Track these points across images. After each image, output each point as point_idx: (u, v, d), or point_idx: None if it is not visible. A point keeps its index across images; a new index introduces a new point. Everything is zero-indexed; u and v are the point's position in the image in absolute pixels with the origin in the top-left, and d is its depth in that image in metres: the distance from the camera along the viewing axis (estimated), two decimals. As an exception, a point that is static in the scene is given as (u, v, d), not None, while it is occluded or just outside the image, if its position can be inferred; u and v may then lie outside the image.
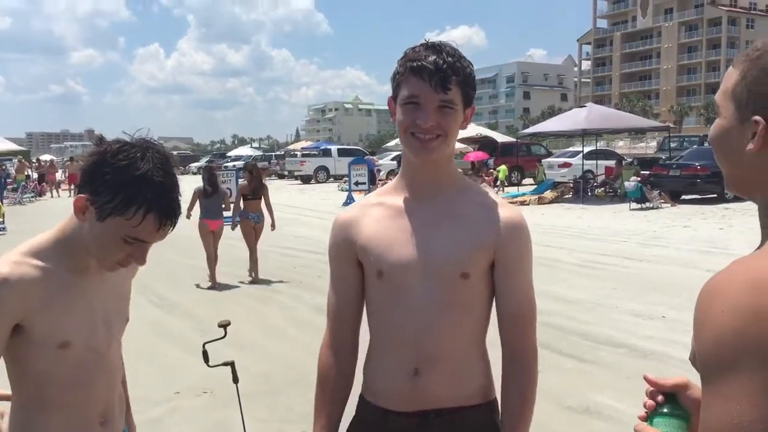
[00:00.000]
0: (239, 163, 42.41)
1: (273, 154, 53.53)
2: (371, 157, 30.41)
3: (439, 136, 1.67)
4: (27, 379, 1.62)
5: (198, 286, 9.63)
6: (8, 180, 27.91)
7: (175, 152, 72.33)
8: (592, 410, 4.78)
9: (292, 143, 73.17)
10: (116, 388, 1.78)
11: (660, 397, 1.18)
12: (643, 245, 12.03)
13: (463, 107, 1.70)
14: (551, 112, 68.28)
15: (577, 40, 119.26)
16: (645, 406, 1.20)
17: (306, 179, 35.82)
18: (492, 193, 1.85)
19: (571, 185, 22.78)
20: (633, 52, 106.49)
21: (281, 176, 40.52)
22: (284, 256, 11.52)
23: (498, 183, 25.10)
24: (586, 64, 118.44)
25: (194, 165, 47.31)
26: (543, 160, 26.85)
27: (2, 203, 16.72)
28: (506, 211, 1.74)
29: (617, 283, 8.93)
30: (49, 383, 1.61)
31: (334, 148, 39.62)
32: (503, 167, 25.84)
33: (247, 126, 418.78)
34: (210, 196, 9.56)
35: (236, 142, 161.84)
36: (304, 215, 19.25)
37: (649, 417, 1.18)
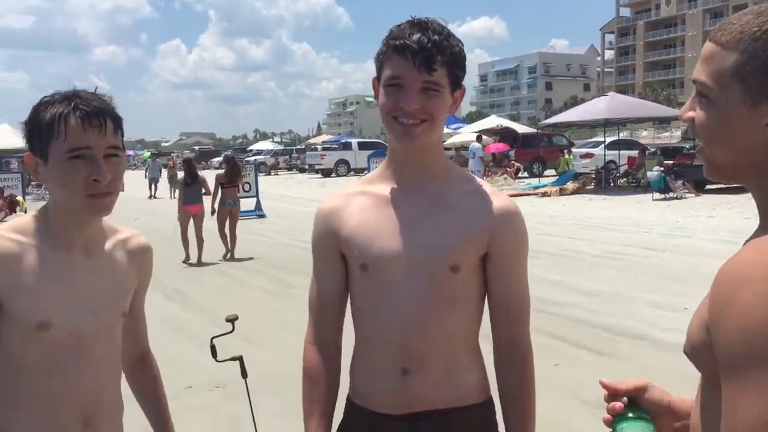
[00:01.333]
0: (260, 158, 42.68)
1: (294, 147, 53.68)
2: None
3: (424, 121, 1.56)
4: (4, 363, 1.54)
5: (212, 280, 9.63)
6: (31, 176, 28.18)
7: (197, 147, 73.32)
8: (610, 404, 4.66)
9: (313, 137, 73.26)
10: (106, 387, 1.65)
11: (619, 403, 1.13)
12: (665, 236, 11.83)
13: (451, 89, 1.59)
14: (574, 103, 67.54)
15: (600, 30, 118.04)
16: (607, 411, 1.15)
17: (326, 173, 35.86)
18: (484, 182, 1.74)
19: (593, 176, 22.52)
20: (657, 40, 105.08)
21: (302, 170, 40.63)
22: (303, 250, 11.42)
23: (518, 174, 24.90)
24: (609, 54, 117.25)
25: (216, 160, 47.62)
26: (565, 151, 26.56)
27: (24, 198, 16.91)
28: (498, 200, 1.64)
29: (639, 274, 8.77)
30: (25, 369, 1.53)
31: (354, 141, 39.58)
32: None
33: (269, 120, 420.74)
34: (190, 186, 10.99)
35: (258, 136, 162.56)
36: (324, 208, 19.19)
37: (613, 423, 1.13)
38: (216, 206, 11.19)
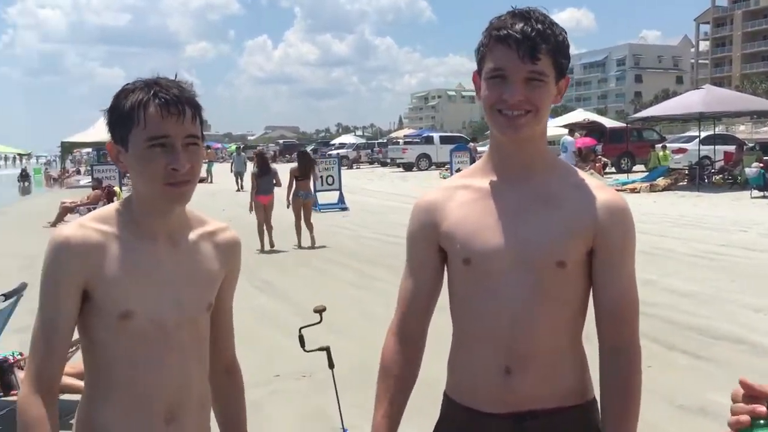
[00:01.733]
0: (342, 151, 43.10)
1: (375, 141, 53.95)
2: (472, 144, 29.98)
3: (529, 112, 1.51)
4: (93, 354, 1.56)
5: (299, 271, 9.79)
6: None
7: (281, 141, 74.76)
8: (708, 410, 4.45)
9: (395, 131, 73.52)
10: (192, 380, 1.61)
11: (761, 407, 1.02)
12: (765, 235, 11.22)
13: (556, 79, 1.54)
14: (665, 96, 65.01)
15: (695, 20, 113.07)
16: (739, 413, 1.03)
17: (408, 167, 35.86)
18: (587, 175, 1.67)
19: (686, 172, 21.62)
20: (755, 30, 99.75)
21: (383, 164, 40.79)
22: (386, 243, 11.54)
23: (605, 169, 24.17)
24: (704, 45, 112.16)
25: (300, 153, 48.31)
26: (666, 146, 25.59)
27: (122, 189, 17.66)
28: (606, 194, 1.58)
29: (736, 275, 8.35)
30: (112, 359, 1.53)
31: (436, 135, 39.47)
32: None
33: (351, 114, 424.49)
34: (262, 177, 11.72)
35: (340, 130, 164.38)
36: (407, 203, 19.23)
37: (750, 427, 1.02)
38: (290, 198, 11.76)
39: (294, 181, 11.79)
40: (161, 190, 1.51)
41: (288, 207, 11.80)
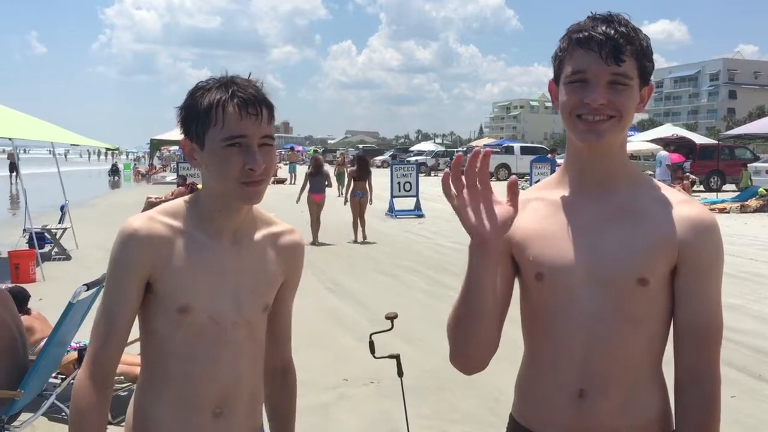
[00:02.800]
0: (421, 158, 43.08)
1: (455, 149, 53.74)
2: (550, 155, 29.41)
3: (612, 117, 1.42)
4: (150, 346, 1.59)
5: (371, 276, 9.80)
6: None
7: (361, 146, 75.43)
8: (797, 448, 4.18)
9: (474, 140, 72.96)
10: (244, 379, 1.62)
11: None
12: None
13: (640, 84, 1.45)
14: (760, 114, 62.12)
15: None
16: None
17: (487, 176, 35.44)
18: (674, 190, 1.56)
19: (781, 193, 20.51)
20: None
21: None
22: (460, 252, 11.40)
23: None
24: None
25: (379, 158, 48.71)
26: (749, 165, 24.45)
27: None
28: (692, 209, 1.47)
29: (834, 305, 7.83)
30: (168, 352, 1.56)
31: (516, 145, 38.98)
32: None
33: (431, 121, 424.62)
34: (315, 177, 13.02)
35: (419, 137, 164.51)
36: (483, 212, 18.96)
37: None
38: (348, 197, 13.25)
39: (352, 182, 13.24)
40: (236, 189, 1.52)
41: (345, 204, 13.42)
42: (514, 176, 1.46)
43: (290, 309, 1.80)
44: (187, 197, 1.64)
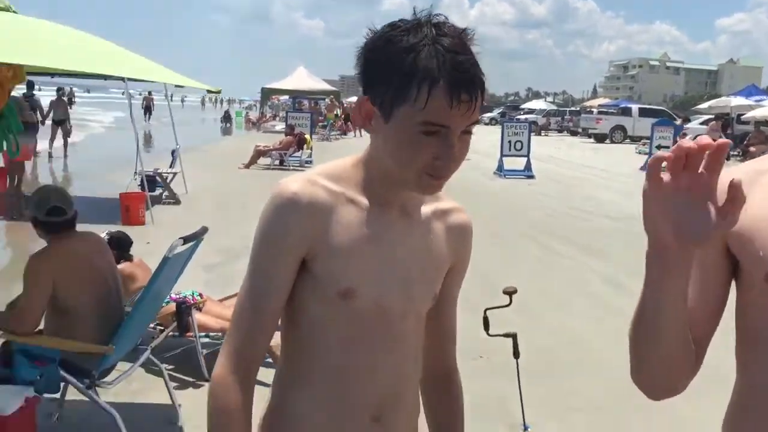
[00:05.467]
0: (531, 117, 41.85)
1: (567, 109, 51.93)
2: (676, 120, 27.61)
3: None
4: (300, 334, 1.31)
5: (489, 241, 9.39)
6: (320, 117, 30.52)
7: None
8: None
9: (588, 99, 70.18)
10: (408, 379, 1.37)
11: None
12: None
13: None
14: None
15: None
16: None
17: (600, 138, 34.05)
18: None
19: None
20: None
21: (574, 133, 39.18)
22: (575, 218, 10.81)
23: None
24: None
25: (487, 115, 47.70)
26: None
27: (312, 138, 18.15)
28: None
29: None
30: (323, 342, 1.29)
31: (635, 106, 37.10)
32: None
33: (543, 79, 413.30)
34: None
35: (530, 95, 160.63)
36: (598, 176, 18.16)
37: None
38: None
39: None
40: (416, 178, 1.23)
41: None
42: (733, 175, 0.98)
43: (455, 303, 1.49)
44: (349, 158, 1.33)
